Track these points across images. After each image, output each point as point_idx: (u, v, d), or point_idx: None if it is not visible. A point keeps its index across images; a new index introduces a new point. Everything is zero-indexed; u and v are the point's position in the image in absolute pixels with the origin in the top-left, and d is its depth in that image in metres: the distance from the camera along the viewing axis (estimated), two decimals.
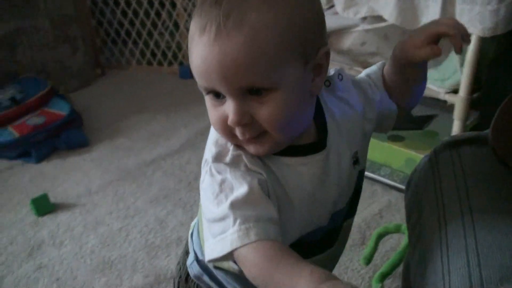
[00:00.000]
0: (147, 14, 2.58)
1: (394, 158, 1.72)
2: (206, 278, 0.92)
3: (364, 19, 1.62)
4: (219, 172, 0.74)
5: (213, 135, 0.79)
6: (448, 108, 1.65)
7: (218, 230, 0.71)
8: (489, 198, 0.74)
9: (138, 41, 2.67)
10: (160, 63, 2.68)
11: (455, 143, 0.84)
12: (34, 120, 2.06)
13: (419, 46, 0.76)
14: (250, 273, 0.70)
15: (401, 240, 1.45)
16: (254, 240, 0.68)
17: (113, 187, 1.81)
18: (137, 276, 1.42)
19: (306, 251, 0.78)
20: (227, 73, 0.68)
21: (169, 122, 2.22)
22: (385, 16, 1.55)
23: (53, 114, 2.11)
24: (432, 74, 1.56)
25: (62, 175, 1.90)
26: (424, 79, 0.85)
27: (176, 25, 2.59)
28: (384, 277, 1.33)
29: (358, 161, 0.85)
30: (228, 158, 0.75)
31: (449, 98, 1.56)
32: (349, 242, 1.44)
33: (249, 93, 0.70)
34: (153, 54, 2.68)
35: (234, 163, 0.75)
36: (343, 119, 0.82)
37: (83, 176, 1.89)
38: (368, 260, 1.40)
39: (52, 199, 1.72)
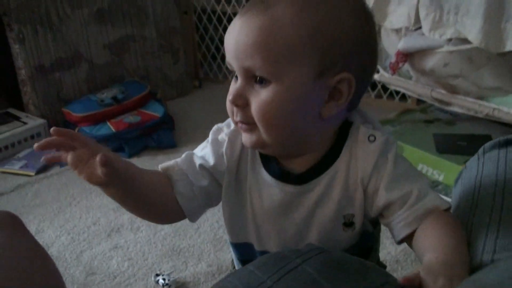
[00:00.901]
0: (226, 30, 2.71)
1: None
2: None
3: (449, 40, 1.63)
4: (207, 141, 0.85)
5: None
6: None
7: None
8: None
9: (217, 56, 2.80)
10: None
11: (506, 142, 0.84)
12: (130, 118, 2.22)
13: None
14: None
15: None
16: (169, 174, 0.82)
17: None
18: (201, 265, 1.50)
19: None
20: (237, 50, 0.71)
21: None
22: (470, 39, 1.55)
23: (148, 115, 2.26)
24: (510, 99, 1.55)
25: None
26: None
27: None
28: None
29: (352, 225, 0.81)
30: (219, 136, 0.84)
31: None
32: (411, 258, 1.45)
33: (254, 79, 0.72)
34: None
35: (218, 143, 0.84)
36: (348, 175, 0.79)
37: None
38: None
39: None
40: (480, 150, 0.88)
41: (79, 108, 2.26)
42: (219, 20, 2.76)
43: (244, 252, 0.88)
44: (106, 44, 2.47)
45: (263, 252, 0.84)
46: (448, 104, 1.74)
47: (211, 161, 0.82)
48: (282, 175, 0.80)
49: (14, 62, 2.29)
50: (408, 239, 0.76)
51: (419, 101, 2.34)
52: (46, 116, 2.33)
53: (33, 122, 2.27)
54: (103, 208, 1.79)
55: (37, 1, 2.23)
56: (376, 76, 1.93)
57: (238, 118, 0.75)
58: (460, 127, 1.97)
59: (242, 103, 0.73)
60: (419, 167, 1.80)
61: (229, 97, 0.74)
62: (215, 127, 0.86)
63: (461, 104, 1.69)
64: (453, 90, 1.71)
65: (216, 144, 0.83)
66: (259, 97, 0.72)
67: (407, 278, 0.61)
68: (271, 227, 0.83)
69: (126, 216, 1.73)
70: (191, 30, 2.82)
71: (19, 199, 1.88)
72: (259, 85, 0.71)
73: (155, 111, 2.29)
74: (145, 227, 1.67)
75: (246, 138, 0.77)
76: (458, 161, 1.69)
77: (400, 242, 0.78)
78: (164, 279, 1.39)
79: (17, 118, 2.29)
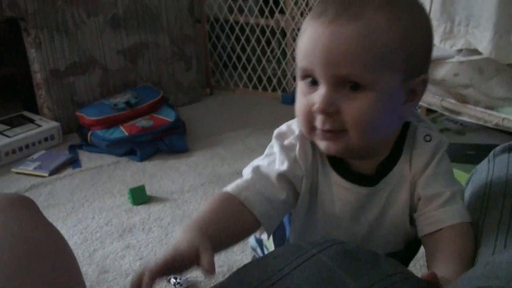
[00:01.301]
0: (258, 41, 2.74)
1: None
2: (259, 250, 1.01)
3: (459, 51, 1.66)
4: (272, 146, 0.83)
5: (294, 120, 0.83)
6: None
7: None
8: None
9: (247, 67, 2.83)
10: (264, 89, 2.82)
11: None
12: (143, 122, 2.26)
13: None
14: None
15: None
16: (243, 199, 0.77)
17: (204, 188, 1.94)
18: None
19: None
20: (331, 57, 0.70)
21: (265, 139, 2.31)
22: (481, 50, 1.58)
23: (160, 120, 2.30)
24: None
25: (160, 174, 2.06)
26: None
27: (284, 54, 2.73)
28: None
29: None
30: (286, 142, 0.82)
31: None
32: (420, 262, 1.47)
33: (342, 86, 0.71)
34: (259, 80, 2.83)
35: (287, 148, 0.81)
36: (412, 171, 0.81)
37: (179, 176, 2.03)
38: None
39: (148, 192, 1.88)
40: (491, 154, 0.91)
41: (92, 112, 2.29)
42: (232, 29, 2.80)
43: None
44: (120, 50, 2.51)
45: None
46: (458, 113, 1.76)
47: (286, 167, 0.80)
48: (354, 177, 0.81)
49: (30, 66, 2.33)
50: (422, 240, 0.80)
51: (428, 111, 2.36)
52: (60, 119, 2.36)
53: (47, 124, 2.30)
54: (115, 209, 1.82)
55: (54, 7, 2.27)
56: None
57: (327, 127, 0.73)
58: (469, 137, 1.99)
59: (333, 110, 0.72)
60: None
61: (318, 105, 0.72)
62: (276, 133, 0.84)
63: (471, 114, 1.72)
64: (463, 100, 1.73)
65: (286, 149, 0.81)
66: (355, 104, 0.71)
67: (434, 274, 0.64)
68: (342, 231, 0.83)
69: (138, 217, 1.76)
70: (203, 39, 2.86)
71: (33, 199, 1.91)
72: (352, 92, 0.71)
73: (167, 116, 2.33)
74: (157, 228, 1.70)
75: (329, 145, 0.76)
76: (467, 170, 1.70)
77: (422, 238, 0.80)
78: (175, 278, 1.41)
79: (32, 121, 2.33)
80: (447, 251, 0.75)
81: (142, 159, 2.17)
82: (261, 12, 2.69)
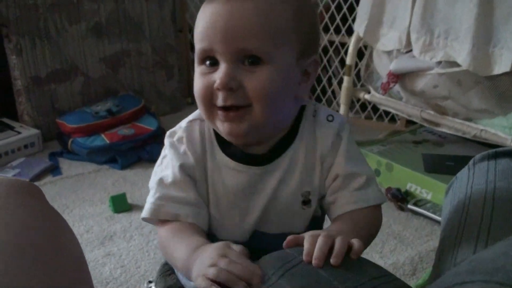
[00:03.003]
0: None
1: None
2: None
3: (439, 63, 1.69)
4: (165, 148, 0.84)
5: (185, 119, 0.85)
6: None
7: (149, 195, 0.82)
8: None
9: None
10: None
11: (494, 155, 0.89)
12: (124, 131, 2.25)
13: None
14: (159, 244, 0.82)
15: None
16: (163, 218, 0.79)
17: None
18: None
19: None
20: (231, 32, 0.72)
21: None
22: (459, 62, 1.61)
23: (142, 128, 2.30)
24: (500, 121, 1.60)
25: (141, 182, 2.05)
26: None
27: None
28: None
29: (309, 202, 0.85)
30: (175, 137, 0.83)
31: None
32: (400, 272, 1.49)
33: (242, 62, 0.74)
34: None
35: (176, 144, 0.83)
36: (306, 153, 0.83)
37: None
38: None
39: (129, 200, 1.87)
40: (471, 162, 0.92)
41: (73, 119, 2.28)
42: None
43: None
44: (102, 58, 2.51)
45: (221, 240, 0.83)
46: (437, 124, 1.79)
47: (180, 162, 0.81)
48: (245, 158, 0.82)
49: (11, 72, 2.31)
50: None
51: (408, 123, 2.40)
52: (40, 127, 2.35)
53: (27, 131, 2.29)
54: (96, 217, 1.81)
55: (36, 14, 2.27)
56: (367, 96, 1.98)
57: (229, 102, 0.74)
58: (448, 149, 2.02)
59: (235, 85, 0.74)
60: (408, 186, 1.85)
61: (220, 80, 0.73)
62: (168, 133, 0.86)
63: (450, 125, 1.75)
64: (442, 111, 1.76)
65: (174, 146, 0.83)
66: (256, 76, 0.74)
67: (289, 239, 0.69)
68: (234, 212, 0.84)
69: (119, 225, 1.75)
70: (186, 48, 2.87)
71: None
72: (251, 66, 0.74)
73: (149, 125, 2.33)
74: (138, 236, 1.69)
75: (232, 127, 0.76)
76: (446, 180, 1.73)
77: (333, 219, 0.84)
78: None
79: (11, 128, 2.31)
80: (353, 223, 0.79)
81: (123, 167, 2.16)
82: None
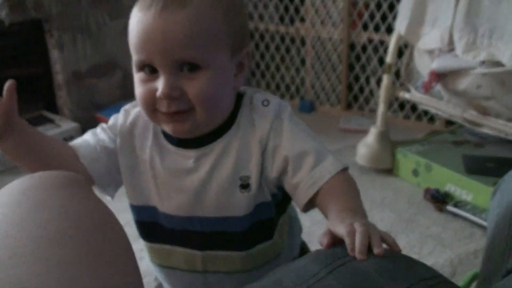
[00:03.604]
0: (277, 48, 2.76)
1: None
2: None
3: (482, 62, 1.66)
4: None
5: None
6: None
7: None
8: None
9: (266, 74, 2.84)
10: (282, 96, 2.83)
11: None
12: None
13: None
14: None
15: None
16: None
17: None
18: None
19: (166, 233, 0.91)
20: (168, 44, 0.75)
21: None
22: (504, 62, 1.58)
23: None
24: None
25: None
26: None
27: (303, 62, 2.74)
28: None
29: (248, 186, 0.86)
30: (130, 108, 0.93)
31: None
32: None
33: (181, 69, 0.77)
34: (277, 87, 2.84)
35: (124, 113, 0.93)
36: (242, 138, 0.86)
37: None
38: None
39: None
40: None
41: (112, 113, 2.29)
42: (252, 36, 2.81)
43: (146, 214, 0.93)
44: None
45: (166, 215, 0.90)
46: (479, 125, 1.76)
47: (105, 126, 0.93)
48: (182, 142, 0.87)
49: (52, 67, 2.36)
50: (312, 203, 0.83)
51: (447, 123, 2.36)
52: (79, 120, 2.38)
53: (67, 125, 2.32)
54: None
55: (77, 9, 2.30)
56: (407, 95, 1.96)
57: (173, 109, 0.79)
58: (488, 150, 1.99)
59: (177, 94, 0.78)
60: (447, 187, 1.82)
61: (162, 91, 0.77)
62: (130, 104, 0.95)
63: (492, 126, 1.72)
64: (484, 112, 1.73)
65: (114, 117, 0.94)
66: (195, 83, 0.78)
67: (324, 239, 0.69)
68: (171, 189, 0.88)
69: None
70: None
71: None
72: (189, 73, 0.78)
73: None
74: None
75: (177, 126, 0.81)
76: (487, 182, 1.70)
77: (305, 209, 0.84)
78: None
79: (52, 121, 2.35)
80: (337, 194, 0.80)
81: None
82: (282, 19, 2.70)
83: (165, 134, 0.88)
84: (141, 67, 0.80)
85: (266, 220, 0.91)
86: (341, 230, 0.68)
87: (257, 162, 0.85)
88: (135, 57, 0.80)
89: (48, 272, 0.55)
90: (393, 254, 0.66)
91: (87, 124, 2.37)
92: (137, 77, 0.82)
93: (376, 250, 0.64)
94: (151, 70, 0.79)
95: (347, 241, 0.66)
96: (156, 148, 0.88)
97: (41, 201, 0.65)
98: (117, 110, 2.32)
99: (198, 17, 0.76)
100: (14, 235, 0.59)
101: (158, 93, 0.78)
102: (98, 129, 0.93)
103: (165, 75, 0.77)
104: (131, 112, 0.93)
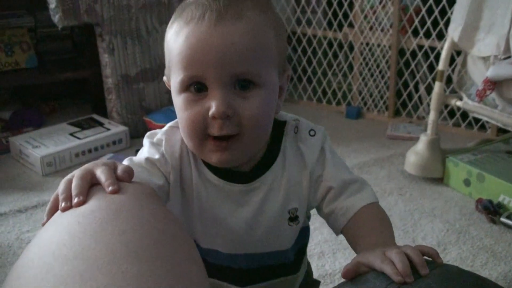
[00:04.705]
0: (325, 54, 2.74)
1: None
2: None
3: None
4: (143, 147, 0.83)
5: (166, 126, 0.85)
6: None
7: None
8: None
9: (312, 79, 2.82)
10: (329, 102, 2.81)
11: None
12: None
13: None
14: None
15: None
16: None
17: None
18: None
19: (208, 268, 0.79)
20: (226, 57, 0.69)
21: None
22: None
23: None
24: None
25: None
26: None
27: (351, 67, 2.71)
28: None
29: (296, 219, 0.84)
30: (155, 139, 0.83)
31: None
32: None
33: (234, 87, 0.71)
34: (324, 93, 2.81)
35: (156, 144, 0.82)
36: (291, 169, 0.82)
37: None
38: None
39: None
40: None
41: (160, 118, 2.33)
42: (299, 42, 2.79)
43: None
44: None
45: (210, 250, 0.85)
46: None
47: (156, 156, 0.80)
48: (228, 175, 0.80)
49: (102, 70, 2.39)
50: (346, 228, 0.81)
51: (499, 132, 2.30)
52: (127, 124, 2.41)
53: (116, 128, 2.36)
54: None
55: (128, 14, 2.33)
56: (459, 103, 1.92)
57: (225, 132, 0.72)
58: None
59: (231, 112, 0.71)
60: (501, 197, 1.77)
61: (217, 109, 0.70)
62: (147, 133, 0.85)
63: None
64: None
65: (154, 145, 0.82)
66: (249, 103, 0.72)
67: (348, 269, 0.67)
68: (218, 225, 0.83)
69: None
70: None
71: None
72: (241, 91, 0.71)
73: None
74: None
75: (222, 156, 0.74)
76: None
77: (341, 232, 0.82)
78: None
79: (101, 124, 2.39)
80: (368, 226, 0.78)
81: None
82: (330, 25, 2.68)
83: (209, 167, 0.81)
84: (187, 86, 0.73)
85: (305, 244, 0.92)
86: (375, 261, 0.65)
87: (306, 194, 0.84)
88: (181, 75, 0.72)
89: (128, 285, 0.55)
90: (462, 271, 0.64)
91: (136, 127, 2.41)
92: (182, 98, 0.74)
93: (422, 271, 0.62)
94: (198, 89, 0.72)
95: (386, 269, 0.63)
96: (200, 180, 0.81)
97: (116, 210, 0.65)
98: (165, 114, 2.35)
99: (254, 30, 0.71)
100: (92, 246, 0.59)
101: (212, 111, 0.70)
102: (142, 160, 0.81)
103: (219, 91, 0.70)
104: (166, 137, 0.83)
